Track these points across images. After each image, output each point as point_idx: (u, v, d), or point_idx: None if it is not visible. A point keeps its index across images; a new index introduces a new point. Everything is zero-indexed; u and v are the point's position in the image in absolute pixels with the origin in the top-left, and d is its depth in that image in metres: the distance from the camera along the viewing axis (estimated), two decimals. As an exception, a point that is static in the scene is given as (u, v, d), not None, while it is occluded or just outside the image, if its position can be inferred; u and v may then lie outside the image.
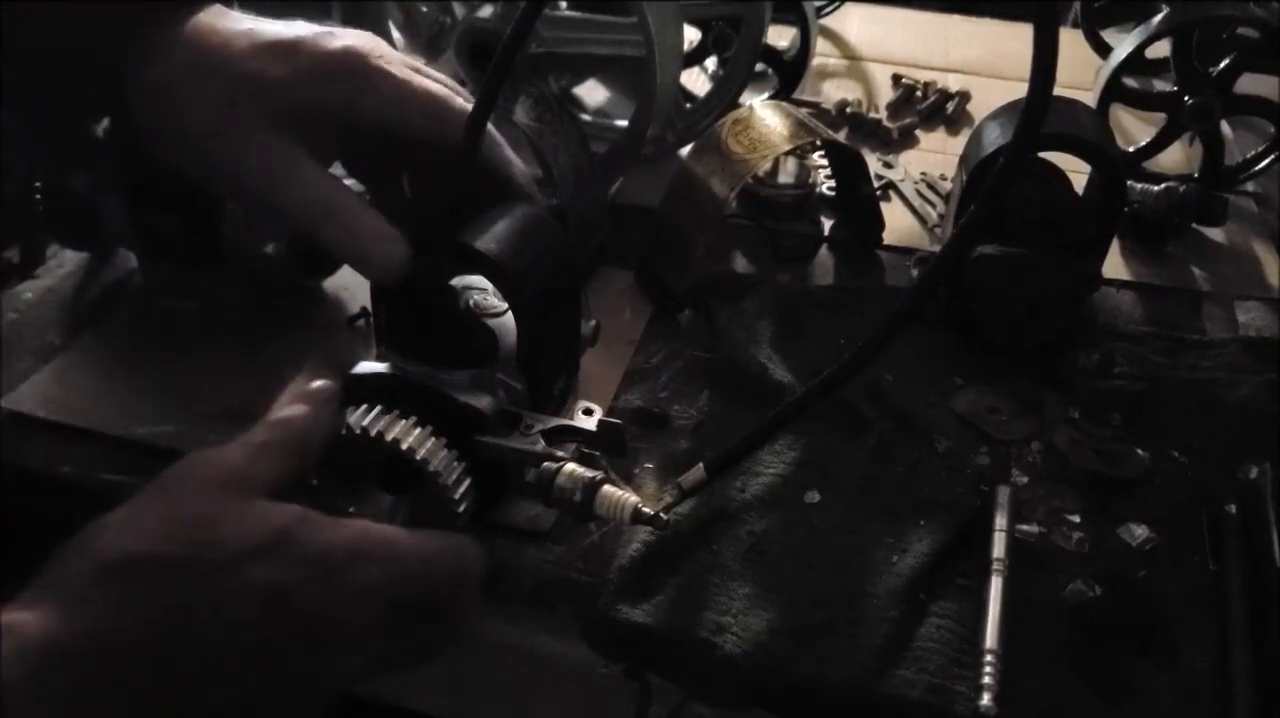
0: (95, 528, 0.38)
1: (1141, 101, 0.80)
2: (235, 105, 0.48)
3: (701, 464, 0.50)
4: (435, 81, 0.52)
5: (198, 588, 0.36)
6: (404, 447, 0.43)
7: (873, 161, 0.81)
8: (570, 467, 0.45)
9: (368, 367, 0.46)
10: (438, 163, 0.50)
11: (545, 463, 0.45)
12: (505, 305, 0.51)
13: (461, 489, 0.44)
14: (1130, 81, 0.77)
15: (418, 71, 0.52)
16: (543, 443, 0.46)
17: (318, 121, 0.50)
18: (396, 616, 0.40)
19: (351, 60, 0.50)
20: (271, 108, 0.48)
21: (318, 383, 0.44)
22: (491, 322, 0.52)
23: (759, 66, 0.85)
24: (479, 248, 0.48)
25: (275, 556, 0.37)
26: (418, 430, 0.43)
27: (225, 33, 0.50)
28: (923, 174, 0.81)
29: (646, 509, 0.44)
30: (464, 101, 0.51)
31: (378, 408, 0.44)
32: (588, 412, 0.55)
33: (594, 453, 0.50)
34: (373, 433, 0.43)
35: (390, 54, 0.51)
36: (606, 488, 0.45)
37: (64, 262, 0.68)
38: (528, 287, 0.49)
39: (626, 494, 0.45)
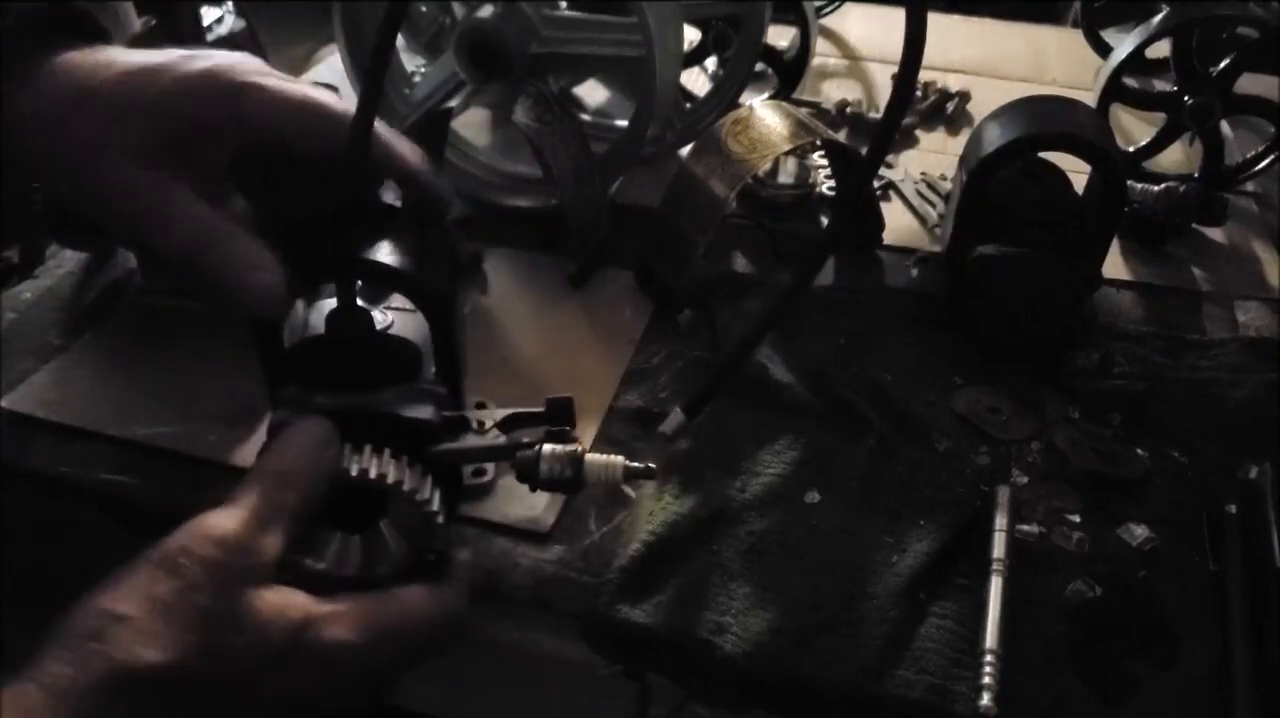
0: (96, 612, 0.36)
1: (1141, 101, 0.80)
2: (100, 138, 0.47)
3: (678, 408, 0.52)
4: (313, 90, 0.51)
5: (221, 703, 0.36)
6: (373, 475, 0.42)
7: (873, 161, 0.81)
8: (548, 448, 0.45)
9: (288, 412, 0.44)
10: (326, 173, 0.48)
11: (520, 452, 0.45)
12: (389, 317, 0.51)
13: (437, 502, 0.44)
14: (1130, 81, 0.77)
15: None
16: (503, 436, 0.46)
17: (191, 144, 0.48)
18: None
19: (218, 77, 0.48)
20: (137, 138, 0.47)
21: (312, 425, 0.42)
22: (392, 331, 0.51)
23: (759, 66, 0.85)
24: (388, 262, 0.47)
25: (294, 659, 0.38)
26: (380, 457, 0.43)
27: (91, 64, 0.49)
28: (923, 174, 0.81)
29: (635, 464, 0.45)
30: (344, 106, 0.50)
31: None
32: (480, 405, 0.54)
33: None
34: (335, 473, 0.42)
35: (261, 68, 0.50)
36: (590, 455, 0.45)
37: (64, 262, 0.68)
38: (443, 293, 0.49)
39: (611, 457, 0.45)
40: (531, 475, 0.45)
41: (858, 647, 0.46)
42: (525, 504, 0.52)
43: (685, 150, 0.74)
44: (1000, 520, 0.51)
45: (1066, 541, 0.52)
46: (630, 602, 0.48)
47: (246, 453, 0.54)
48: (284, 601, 0.38)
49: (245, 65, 0.50)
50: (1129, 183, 0.71)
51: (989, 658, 0.45)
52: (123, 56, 0.49)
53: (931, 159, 0.84)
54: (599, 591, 0.48)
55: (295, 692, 0.38)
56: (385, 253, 0.48)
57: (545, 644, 0.50)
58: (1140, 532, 0.52)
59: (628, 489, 0.52)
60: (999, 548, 0.50)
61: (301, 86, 0.50)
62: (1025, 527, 0.52)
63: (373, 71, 0.44)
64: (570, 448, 0.45)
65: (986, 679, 0.44)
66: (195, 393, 0.58)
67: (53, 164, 0.49)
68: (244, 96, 0.48)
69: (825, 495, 0.53)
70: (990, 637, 0.46)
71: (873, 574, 0.50)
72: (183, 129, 0.48)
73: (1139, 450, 0.56)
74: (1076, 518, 0.53)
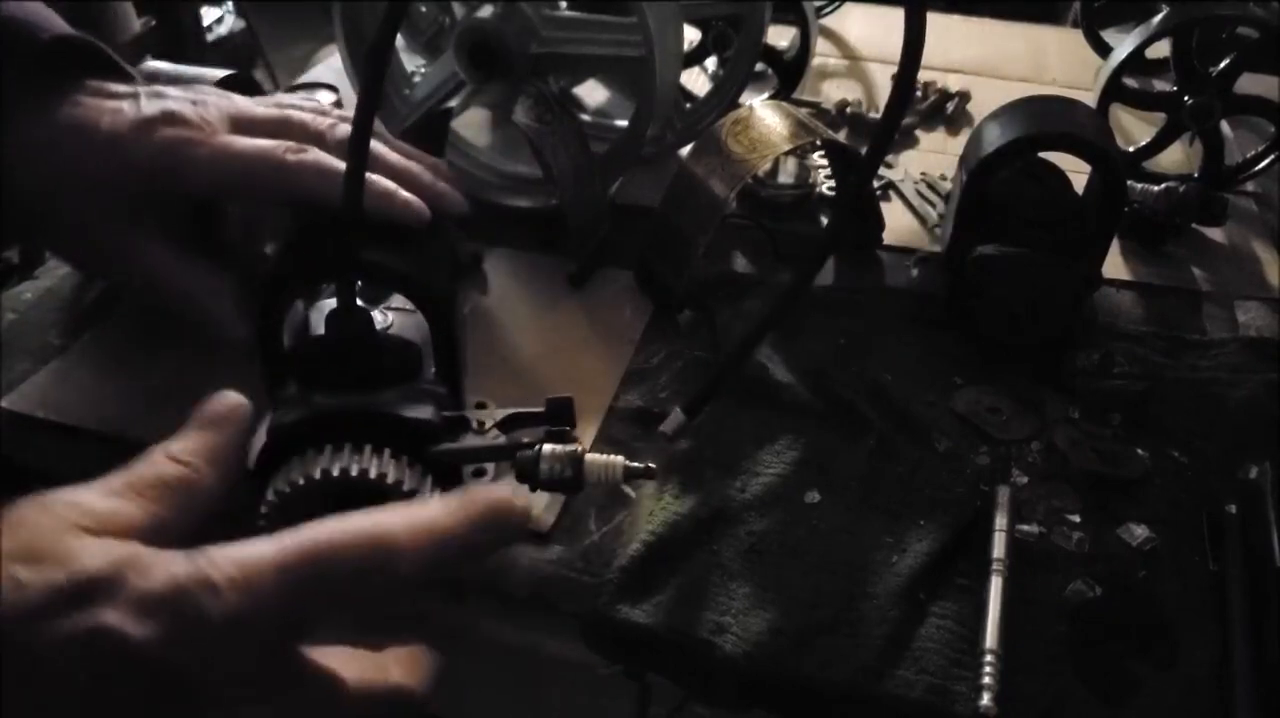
0: None
1: (1141, 101, 0.80)
2: (64, 197, 0.52)
3: (678, 408, 0.52)
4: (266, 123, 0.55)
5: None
6: (373, 475, 0.42)
7: (873, 161, 0.81)
8: (548, 447, 0.45)
9: (290, 413, 0.44)
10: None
11: (520, 452, 0.45)
12: (389, 317, 0.51)
13: None
14: (1130, 81, 0.77)
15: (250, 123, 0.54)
16: (503, 436, 0.46)
17: (147, 201, 0.53)
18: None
19: (166, 150, 0.51)
20: (108, 201, 0.52)
21: (221, 402, 0.39)
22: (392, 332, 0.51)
23: (759, 66, 0.85)
24: (387, 262, 0.47)
25: (100, 596, 0.30)
26: (380, 457, 0.43)
27: (94, 116, 0.52)
28: (923, 174, 0.81)
29: (635, 464, 0.45)
30: (295, 155, 0.53)
31: (328, 448, 0.43)
32: (480, 405, 0.54)
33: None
34: (336, 472, 0.42)
35: (212, 120, 0.53)
36: (590, 455, 0.45)
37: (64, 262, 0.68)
38: (443, 293, 0.49)
39: (612, 457, 0.45)
40: (531, 475, 0.45)
41: (858, 647, 0.46)
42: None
43: (685, 150, 0.74)
44: (1000, 521, 0.51)
45: (1066, 541, 0.52)
46: (630, 602, 0.48)
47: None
48: (104, 543, 0.32)
49: (195, 123, 0.53)
50: (1129, 183, 0.71)
51: (989, 658, 0.45)
52: (110, 117, 0.52)
53: (931, 159, 0.84)
54: (599, 591, 0.48)
55: (102, 633, 0.30)
56: (385, 253, 0.48)
57: (545, 644, 0.50)
58: (1140, 532, 0.52)
59: (628, 489, 0.53)
60: (999, 548, 0.50)
61: (244, 143, 0.53)
62: (1025, 527, 0.52)
63: (372, 72, 0.44)
64: (570, 448, 0.45)
65: (986, 679, 0.44)
66: (195, 393, 0.57)
67: (46, 208, 0.53)
68: (186, 168, 0.52)
69: (825, 495, 0.53)
70: (990, 637, 0.46)
71: (873, 574, 0.50)
72: (137, 194, 0.52)
73: (1139, 450, 0.56)
74: (1076, 518, 0.53)
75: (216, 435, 0.38)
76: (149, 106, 0.52)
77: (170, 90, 0.54)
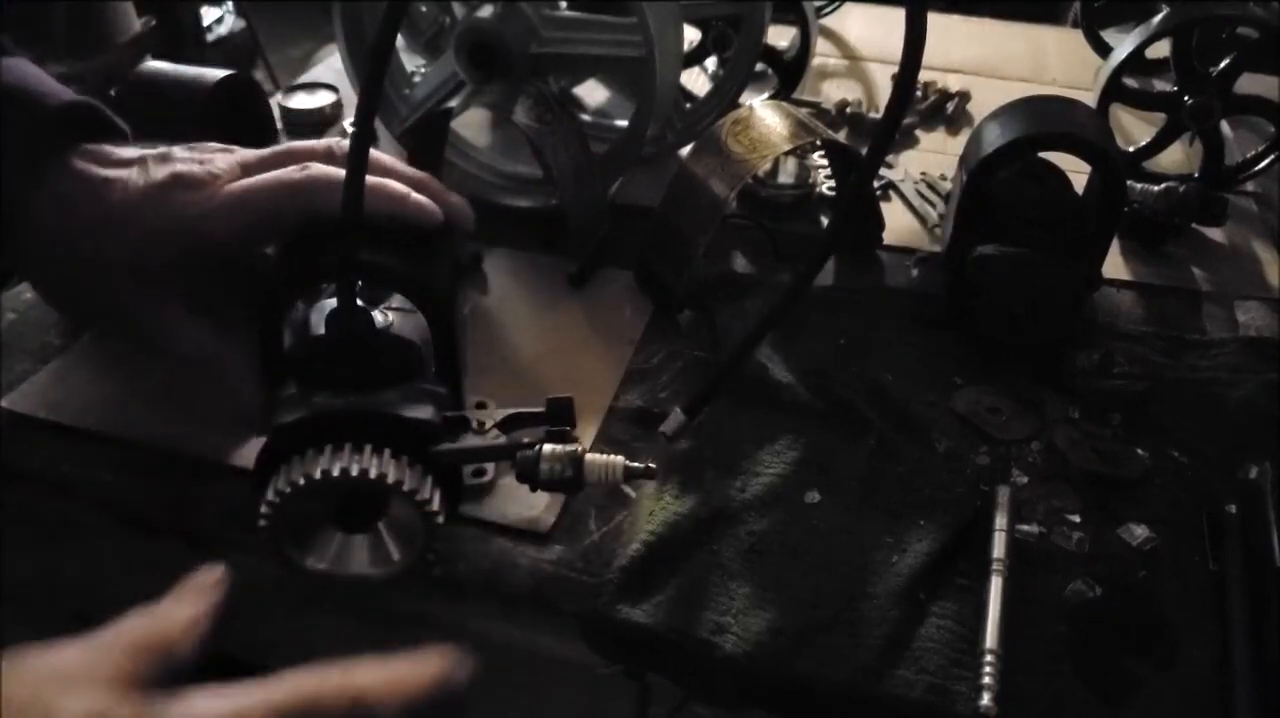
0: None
1: (1141, 101, 0.80)
2: (104, 261, 0.51)
3: (678, 408, 0.53)
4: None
5: None
6: (374, 475, 0.42)
7: (873, 161, 0.81)
8: (548, 447, 0.45)
9: (291, 413, 0.45)
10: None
11: (521, 452, 0.45)
12: (389, 317, 0.52)
13: (437, 502, 0.44)
14: (1130, 81, 0.77)
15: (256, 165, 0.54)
16: (503, 436, 0.46)
17: (166, 270, 0.52)
18: None
19: (182, 210, 0.51)
20: (135, 264, 0.51)
21: (207, 575, 0.40)
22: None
23: (759, 66, 0.85)
24: (388, 263, 0.47)
25: None
26: (380, 457, 0.43)
27: (99, 181, 0.51)
28: (923, 174, 0.81)
29: (636, 464, 0.46)
30: (302, 173, 0.52)
31: (329, 448, 0.43)
32: (480, 405, 0.55)
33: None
34: (336, 473, 0.42)
35: (220, 172, 0.52)
36: (590, 456, 0.46)
37: (64, 262, 0.68)
38: (443, 293, 0.49)
39: (612, 457, 0.45)
40: (532, 475, 0.45)
41: (858, 647, 0.46)
42: (525, 504, 0.52)
43: (685, 150, 0.74)
44: (1000, 521, 0.51)
45: (1066, 541, 0.52)
46: (630, 602, 0.48)
47: (246, 453, 0.54)
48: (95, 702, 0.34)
49: (204, 175, 0.52)
50: (1129, 183, 0.71)
51: (989, 658, 0.45)
52: (120, 190, 0.51)
53: (931, 159, 0.84)
54: (599, 591, 0.48)
55: None
56: (385, 254, 0.48)
57: (545, 644, 0.50)
58: (1140, 532, 0.52)
59: (628, 489, 0.53)
60: (999, 548, 0.50)
61: (256, 179, 0.52)
62: (1025, 527, 0.52)
63: (372, 73, 0.44)
64: (570, 448, 0.45)
65: (986, 679, 0.44)
66: (195, 393, 0.58)
67: (57, 277, 0.53)
68: (206, 222, 0.51)
69: (825, 495, 0.53)
70: (990, 637, 0.46)
71: (873, 574, 0.50)
72: (161, 260, 0.52)
73: (1139, 450, 0.56)
74: (1076, 518, 0.53)
75: (197, 606, 0.39)
76: (157, 172, 0.52)
77: (175, 151, 0.54)
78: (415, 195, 0.53)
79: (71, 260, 0.51)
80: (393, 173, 0.55)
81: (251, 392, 0.51)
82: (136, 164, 0.53)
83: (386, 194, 0.52)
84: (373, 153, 0.49)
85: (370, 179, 0.47)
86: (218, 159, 0.54)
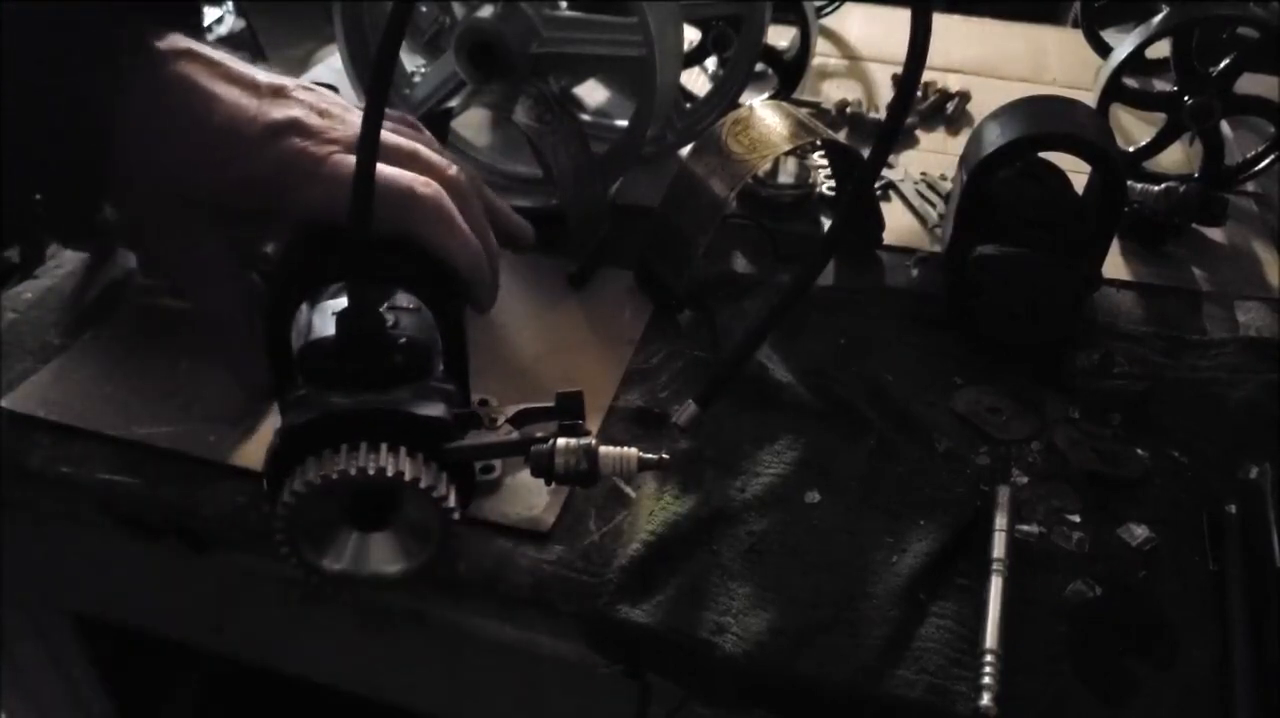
0: None
1: (1141, 101, 0.80)
2: (188, 188, 0.47)
3: (691, 400, 0.53)
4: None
5: None
6: (390, 473, 0.42)
7: (873, 161, 0.81)
8: (561, 442, 0.45)
9: (303, 413, 0.44)
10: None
11: (535, 446, 0.45)
12: (392, 317, 0.52)
13: (452, 498, 0.44)
14: (1130, 81, 0.77)
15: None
16: (515, 431, 0.46)
17: (248, 217, 0.50)
18: None
19: (286, 166, 0.47)
20: (196, 211, 0.48)
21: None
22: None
23: (759, 66, 0.85)
24: (396, 262, 0.47)
25: None
26: (396, 455, 0.43)
27: (205, 84, 0.46)
28: (923, 174, 0.81)
29: (649, 455, 0.46)
30: (425, 189, 0.49)
31: (344, 447, 0.43)
32: (483, 403, 0.55)
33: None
34: (353, 472, 0.42)
35: (337, 136, 0.48)
36: (604, 448, 0.46)
37: (64, 262, 0.68)
38: (453, 292, 0.49)
39: (625, 449, 0.46)
40: (547, 469, 0.45)
41: (858, 647, 0.46)
42: (525, 504, 0.52)
43: (685, 150, 0.74)
44: (1000, 520, 0.51)
45: (1066, 541, 0.52)
46: (630, 602, 0.48)
47: (246, 453, 0.54)
48: None
49: (330, 137, 0.48)
50: (1129, 183, 0.71)
51: (989, 658, 0.45)
52: (230, 113, 0.46)
53: (931, 159, 0.84)
54: (599, 591, 0.48)
55: None
56: (393, 252, 0.48)
57: (545, 644, 0.50)
58: (1140, 532, 0.52)
59: (628, 489, 0.53)
60: (999, 548, 0.50)
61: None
62: (1025, 527, 0.52)
63: (378, 77, 0.44)
64: (585, 441, 0.45)
65: (986, 679, 0.44)
66: (195, 393, 0.58)
67: (133, 178, 0.47)
68: (302, 188, 0.47)
69: (825, 495, 0.53)
70: (990, 637, 0.46)
71: (873, 574, 0.50)
72: (245, 208, 0.48)
73: (1139, 450, 0.56)
74: (1076, 518, 0.53)
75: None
76: (273, 110, 0.47)
77: (292, 88, 0.49)
78: (492, 240, 0.53)
79: (163, 179, 0.46)
80: (470, 213, 0.51)
81: (261, 363, 0.48)
82: (248, 87, 0.47)
83: (473, 253, 0.50)
84: (457, 188, 0.50)
85: (464, 231, 0.48)
86: (336, 125, 0.48)
